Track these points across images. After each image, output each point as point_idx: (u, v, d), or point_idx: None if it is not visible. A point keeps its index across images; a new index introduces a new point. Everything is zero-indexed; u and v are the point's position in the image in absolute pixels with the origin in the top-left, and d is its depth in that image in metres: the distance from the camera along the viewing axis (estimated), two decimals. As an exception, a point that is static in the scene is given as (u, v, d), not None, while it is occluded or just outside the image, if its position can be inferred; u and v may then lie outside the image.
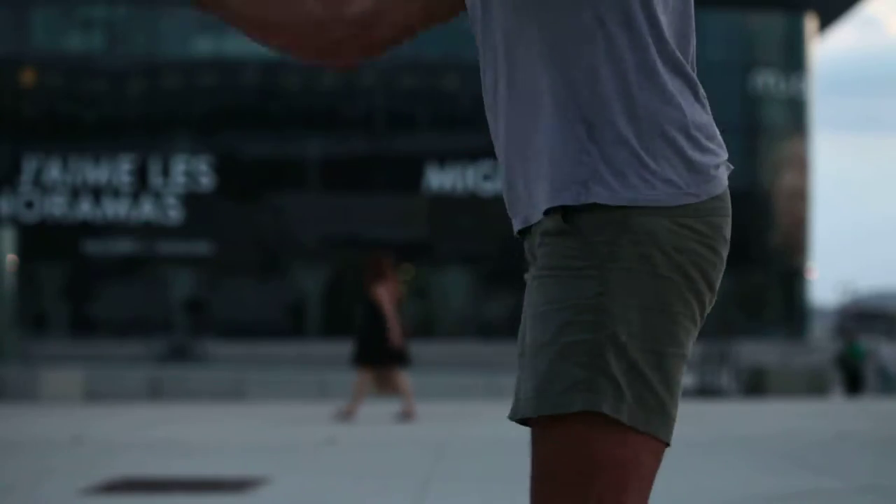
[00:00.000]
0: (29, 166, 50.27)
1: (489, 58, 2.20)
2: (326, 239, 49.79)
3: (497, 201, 52.84)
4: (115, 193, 50.39)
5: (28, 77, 51.53)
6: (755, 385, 28.09)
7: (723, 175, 2.13)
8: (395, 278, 15.33)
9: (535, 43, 2.10)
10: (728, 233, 2.12)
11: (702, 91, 2.18)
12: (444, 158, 51.09)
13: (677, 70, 2.15)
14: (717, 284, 2.10)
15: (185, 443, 12.23)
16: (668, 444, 2.05)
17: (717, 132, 2.15)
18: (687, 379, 33.06)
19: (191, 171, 50.52)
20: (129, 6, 50.98)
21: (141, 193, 50.40)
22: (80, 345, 43.88)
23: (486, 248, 51.16)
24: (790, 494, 8.03)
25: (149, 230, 50.00)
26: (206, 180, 50.47)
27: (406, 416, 14.91)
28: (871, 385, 32.67)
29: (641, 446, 2.00)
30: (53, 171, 50.25)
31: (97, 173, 50.37)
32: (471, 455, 10.61)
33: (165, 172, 50.51)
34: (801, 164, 53.59)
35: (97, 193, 50.34)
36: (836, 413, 17.37)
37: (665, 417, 2.03)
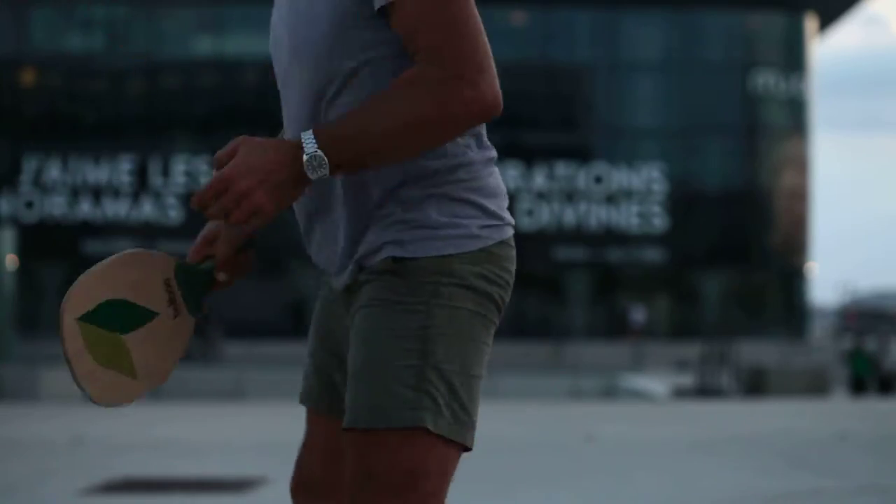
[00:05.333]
0: (29, 166, 50.27)
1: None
2: (326, 239, 49.79)
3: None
4: (115, 193, 50.39)
5: (28, 77, 51.52)
6: (755, 385, 28.08)
7: (508, 220, 2.49)
8: None
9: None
10: (513, 276, 2.49)
11: (483, 135, 2.48)
12: (444, 158, 51.12)
13: (479, 134, 2.50)
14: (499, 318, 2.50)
15: (186, 443, 12.24)
16: (470, 450, 2.44)
17: (498, 182, 2.50)
18: (687, 379, 33.07)
19: (191, 171, 50.52)
20: (129, 6, 50.97)
21: (141, 193, 50.40)
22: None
23: (486, 248, 51.20)
24: (790, 494, 8.04)
25: (149, 230, 50.00)
26: (207, 180, 50.44)
27: None
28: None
29: (452, 455, 2.41)
30: (53, 171, 50.25)
31: (97, 173, 50.37)
32: (471, 455, 10.60)
33: (165, 172, 50.50)
34: (801, 164, 53.57)
35: (97, 193, 50.34)
36: (836, 413, 17.37)
37: (472, 429, 2.42)
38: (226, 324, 44.00)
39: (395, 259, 2.38)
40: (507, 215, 2.48)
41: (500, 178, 2.50)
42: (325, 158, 2.28)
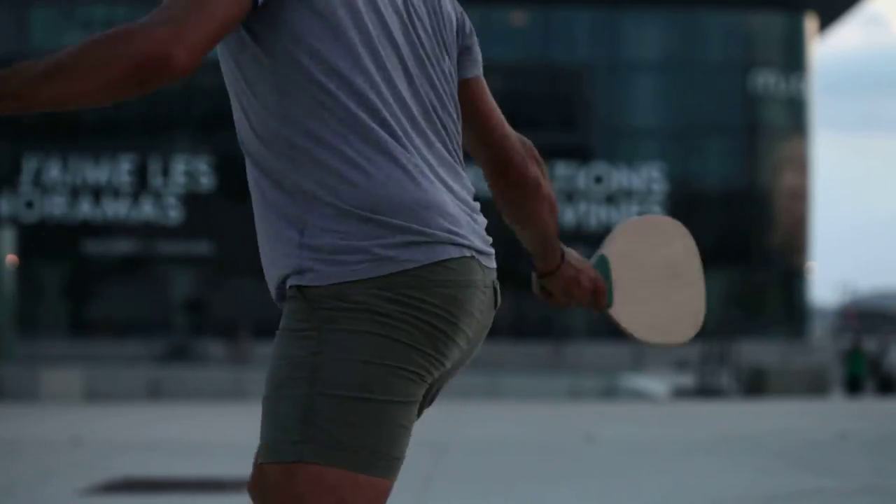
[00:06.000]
0: (29, 166, 50.26)
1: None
2: (326, 239, 49.80)
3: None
4: (115, 193, 50.38)
5: (28, 77, 51.52)
6: (755, 385, 28.08)
7: (441, 237, 2.23)
8: None
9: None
10: (452, 301, 2.23)
11: (387, 139, 2.25)
12: (444, 158, 51.13)
13: (378, 145, 2.25)
14: (445, 346, 2.24)
15: (185, 443, 12.24)
16: (390, 480, 2.22)
17: (425, 203, 2.24)
18: (687, 379, 33.07)
19: (191, 171, 50.51)
20: (129, 6, 50.98)
21: (141, 193, 50.39)
22: (79, 345, 43.86)
23: (486, 248, 51.18)
24: (790, 494, 8.03)
25: (149, 230, 50.00)
26: (206, 180, 50.45)
27: None
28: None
29: (357, 486, 2.19)
30: (53, 171, 50.23)
31: (97, 173, 50.35)
32: (471, 455, 10.60)
33: (165, 172, 50.49)
34: (800, 164, 53.58)
35: (97, 193, 50.33)
36: (836, 413, 17.38)
37: (380, 456, 2.20)
38: (222, 323, 44.01)
39: (297, 287, 2.23)
40: (437, 231, 2.23)
41: (419, 187, 2.25)
42: None
